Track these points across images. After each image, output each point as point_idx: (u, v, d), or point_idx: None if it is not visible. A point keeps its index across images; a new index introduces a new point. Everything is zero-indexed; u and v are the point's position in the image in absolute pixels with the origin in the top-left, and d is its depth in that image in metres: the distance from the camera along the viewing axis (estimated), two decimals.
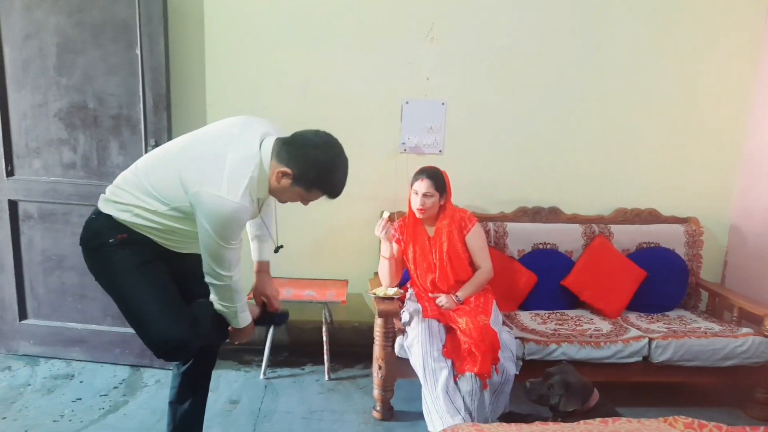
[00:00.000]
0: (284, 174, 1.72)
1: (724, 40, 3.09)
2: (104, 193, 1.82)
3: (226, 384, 2.81)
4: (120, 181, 1.81)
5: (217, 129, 1.82)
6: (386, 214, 2.60)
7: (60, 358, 2.96)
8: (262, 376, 2.89)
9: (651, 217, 3.17)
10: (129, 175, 1.81)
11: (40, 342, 2.96)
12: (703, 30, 3.07)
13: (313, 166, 1.72)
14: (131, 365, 2.91)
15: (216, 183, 1.64)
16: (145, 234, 1.78)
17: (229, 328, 1.93)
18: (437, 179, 2.60)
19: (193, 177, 1.67)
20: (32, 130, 2.77)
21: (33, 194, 2.82)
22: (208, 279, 1.77)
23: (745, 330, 2.69)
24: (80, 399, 2.62)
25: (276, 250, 2.07)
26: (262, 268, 2.13)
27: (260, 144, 1.74)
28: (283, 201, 1.87)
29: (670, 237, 3.10)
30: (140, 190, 1.75)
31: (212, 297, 1.83)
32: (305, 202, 1.84)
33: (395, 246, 2.69)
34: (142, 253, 1.78)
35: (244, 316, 1.89)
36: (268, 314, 2.10)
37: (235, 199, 1.63)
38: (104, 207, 1.79)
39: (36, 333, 2.95)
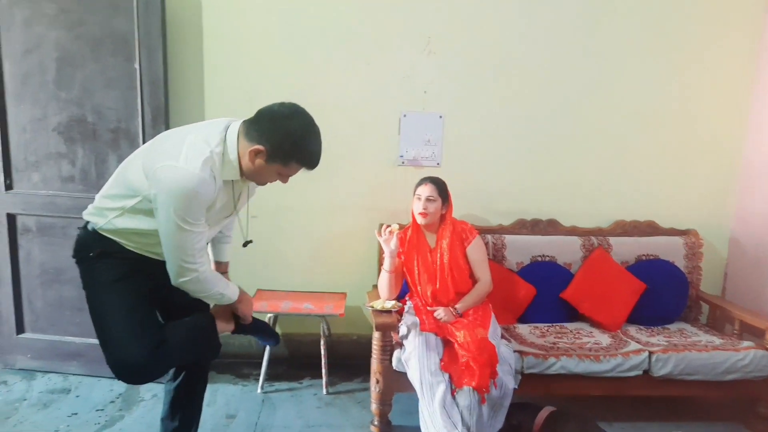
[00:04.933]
0: (257, 152, 1.66)
1: (722, 51, 3.09)
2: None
3: (224, 398, 2.79)
4: (101, 190, 1.82)
5: (187, 125, 1.81)
6: (395, 226, 2.60)
7: (57, 372, 2.94)
8: (259, 390, 2.87)
9: (650, 229, 3.16)
10: (108, 181, 1.82)
11: (38, 356, 2.95)
12: (701, 40, 3.07)
13: (286, 137, 1.66)
14: None
15: (173, 156, 1.59)
16: (121, 242, 1.76)
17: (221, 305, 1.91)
18: (440, 185, 2.65)
19: (153, 159, 1.64)
20: (31, 144, 2.78)
21: (31, 208, 2.83)
22: (177, 280, 1.71)
23: (746, 343, 2.67)
24: (76, 414, 2.60)
25: (245, 245, 2.00)
26: (220, 269, 2.09)
27: (226, 128, 1.71)
28: (261, 183, 1.81)
29: (670, 249, 3.09)
30: (114, 191, 1.75)
31: (191, 294, 1.79)
32: (284, 179, 1.78)
33: (396, 260, 2.68)
34: (119, 267, 1.76)
35: (230, 291, 1.86)
36: (242, 325, 2.03)
37: (194, 170, 1.58)
38: (86, 215, 1.80)
39: (33, 347, 2.94)
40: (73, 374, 2.93)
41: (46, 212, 2.82)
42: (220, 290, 1.82)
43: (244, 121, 1.72)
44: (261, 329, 2.09)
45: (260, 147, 1.66)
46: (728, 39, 3.08)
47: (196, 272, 1.70)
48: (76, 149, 2.77)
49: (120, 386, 2.85)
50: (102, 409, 2.64)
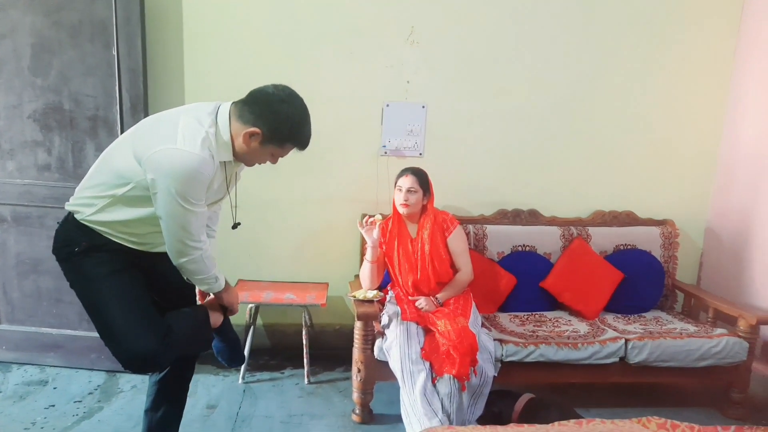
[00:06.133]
0: (252, 135, 1.66)
1: (701, 48, 3.15)
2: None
3: (204, 389, 2.77)
4: (83, 179, 1.78)
5: (172, 109, 1.78)
6: (378, 216, 2.62)
7: (34, 364, 2.90)
8: (240, 381, 2.87)
9: (628, 219, 3.21)
10: (90, 170, 1.78)
11: (14, 347, 2.90)
12: (681, 37, 3.12)
13: (285, 121, 1.67)
14: (107, 371, 2.87)
15: (170, 139, 1.57)
16: (109, 235, 1.73)
17: (204, 298, 1.92)
18: (421, 176, 2.65)
19: (146, 144, 1.61)
20: (6, 132, 2.72)
21: (7, 197, 2.77)
22: (179, 260, 1.70)
23: (719, 330, 2.73)
24: (53, 406, 2.57)
25: (234, 227, 1.98)
26: None
27: (217, 107, 1.70)
28: (251, 164, 1.80)
29: (647, 239, 3.14)
30: (100, 180, 1.71)
31: (187, 276, 1.78)
32: (275, 160, 1.78)
33: (377, 250, 2.69)
34: (112, 261, 1.73)
35: (221, 277, 1.87)
36: (227, 325, 2.02)
37: (195, 150, 1.57)
38: (70, 205, 1.76)
39: (9, 338, 2.89)
40: (51, 366, 2.89)
41: (21, 202, 2.77)
42: (216, 273, 1.82)
43: (235, 103, 1.71)
44: (235, 340, 2.06)
45: (256, 129, 1.66)
46: (707, 42, 3.14)
47: (199, 250, 1.71)
48: (53, 137, 2.72)
49: (98, 378, 2.82)
50: (80, 401, 2.62)
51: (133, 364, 1.72)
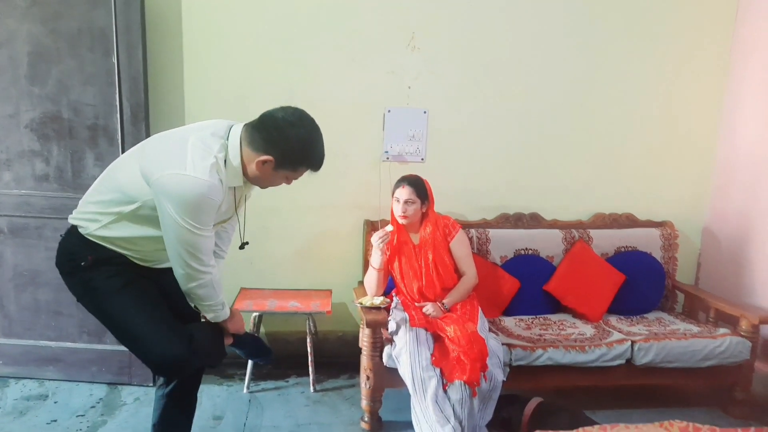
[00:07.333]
0: (265, 162, 1.65)
1: (697, 53, 3.19)
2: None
3: (209, 399, 2.74)
4: (87, 193, 1.76)
5: (181, 127, 1.76)
6: (390, 228, 2.60)
7: (33, 378, 2.84)
8: (245, 390, 2.83)
9: (628, 221, 3.24)
10: (94, 184, 1.76)
11: (12, 362, 2.84)
12: (678, 42, 3.16)
13: (296, 146, 1.66)
14: (109, 383, 2.82)
15: (179, 164, 1.55)
16: (115, 249, 1.71)
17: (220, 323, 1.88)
18: (418, 186, 2.61)
19: (154, 164, 1.59)
20: (2, 142, 2.67)
21: (3, 208, 2.72)
22: (188, 285, 1.68)
23: (722, 330, 2.76)
24: (55, 420, 2.51)
25: (241, 246, 1.97)
26: None
27: (228, 130, 1.68)
28: (265, 187, 1.79)
29: (647, 241, 3.17)
30: (106, 197, 1.69)
31: (195, 303, 1.76)
32: (289, 182, 1.78)
33: (384, 257, 2.68)
34: (120, 274, 1.71)
35: (226, 304, 1.85)
36: (242, 335, 1.99)
37: (203, 177, 1.55)
38: (74, 219, 1.73)
39: (7, 352, 2.83)
40: (51, 379, 2.83)
41: (19, 212, 2.72)
42: (223, 299, 1.80)
43: (246, 127, 1.68)
44: (256, 343, 2.05)
45: (269, 157, 1.65)
46: (703, 45, 3.19)
47: (209, 274, 1.69)
48: (51, 147, 2.68)
49: (100, 391, 2.77)
50: (83, 415, 2.57)
51: (162, 367, 1.71)
